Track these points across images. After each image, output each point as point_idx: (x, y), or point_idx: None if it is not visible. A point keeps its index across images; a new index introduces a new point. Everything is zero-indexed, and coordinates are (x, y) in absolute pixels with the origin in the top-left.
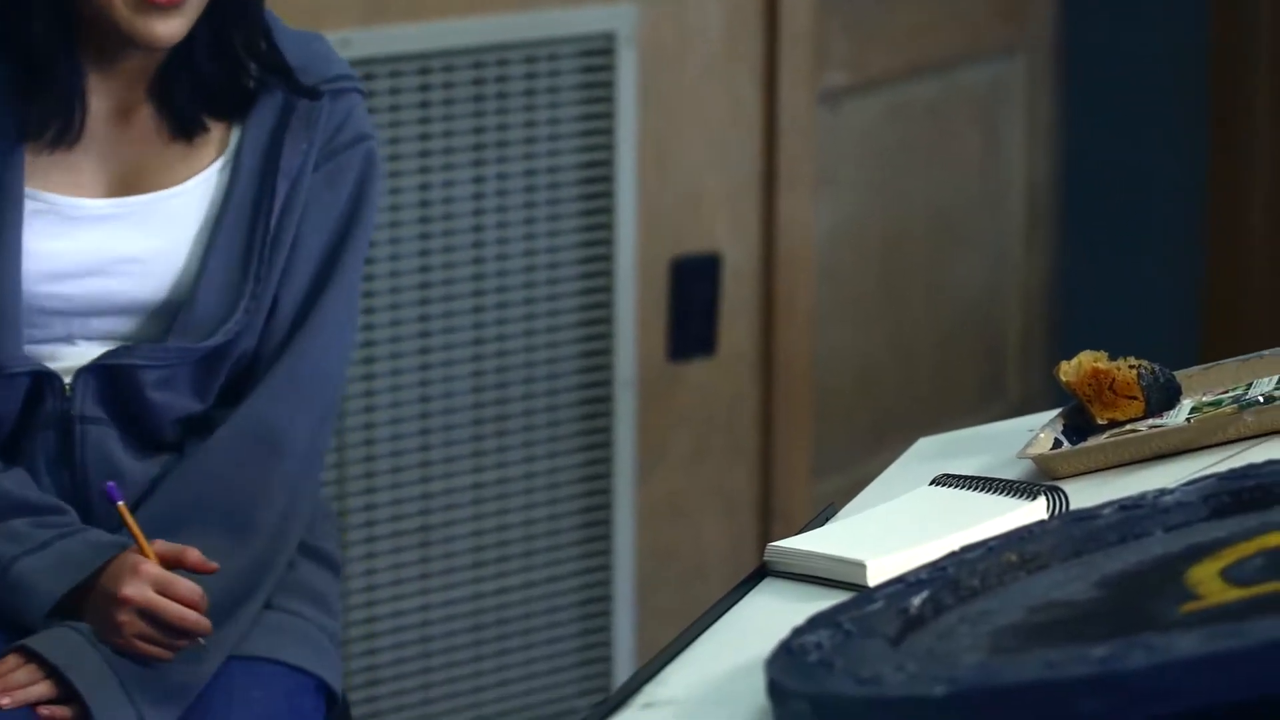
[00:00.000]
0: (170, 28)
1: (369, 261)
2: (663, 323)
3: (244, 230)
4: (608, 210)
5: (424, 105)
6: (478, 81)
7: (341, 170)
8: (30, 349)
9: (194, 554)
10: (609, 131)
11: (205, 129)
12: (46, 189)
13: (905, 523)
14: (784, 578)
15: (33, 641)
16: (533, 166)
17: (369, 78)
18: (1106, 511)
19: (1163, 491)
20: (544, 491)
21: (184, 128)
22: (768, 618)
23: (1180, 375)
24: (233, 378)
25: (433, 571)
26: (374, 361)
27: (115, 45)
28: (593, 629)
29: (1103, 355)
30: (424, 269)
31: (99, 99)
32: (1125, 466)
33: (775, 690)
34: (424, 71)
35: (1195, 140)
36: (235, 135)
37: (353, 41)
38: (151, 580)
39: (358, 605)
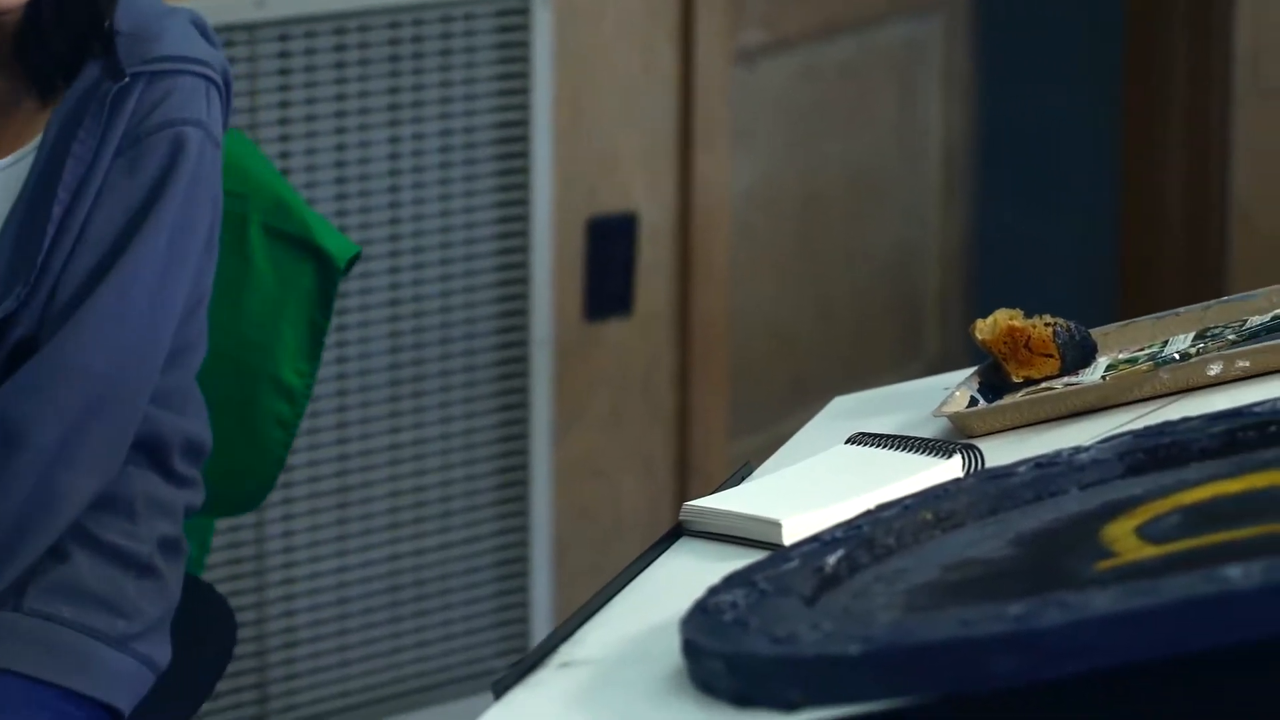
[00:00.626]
0: None
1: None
2: (579, 282)
3: (32, 213)
4: (523, 170)
5: (340, 66)
6: (393, 42)
7: (144, 156)
8: None
9: None
10: (525, 91)
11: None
12: None
13: (821, 481)
14: (700, 537)
15: None
16: (448, 127)
17: (284, 38)
18: (1022, 469)
19: (1078, 449)
20: (461, 452)
21: (41, 97)
22: (684, 577)
23: (1096, 333)
24: (16, 364)
25: (350, 533)
26: None
27: None
28: (510, 589)
29: (1018, 313)
30: (340, 229)
31: None
32: (1041, 424)
33: (690, 649)
34: (340, 32)
35: (1110, 98)
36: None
37: (268, 2)
38: None
39: (275, 568)
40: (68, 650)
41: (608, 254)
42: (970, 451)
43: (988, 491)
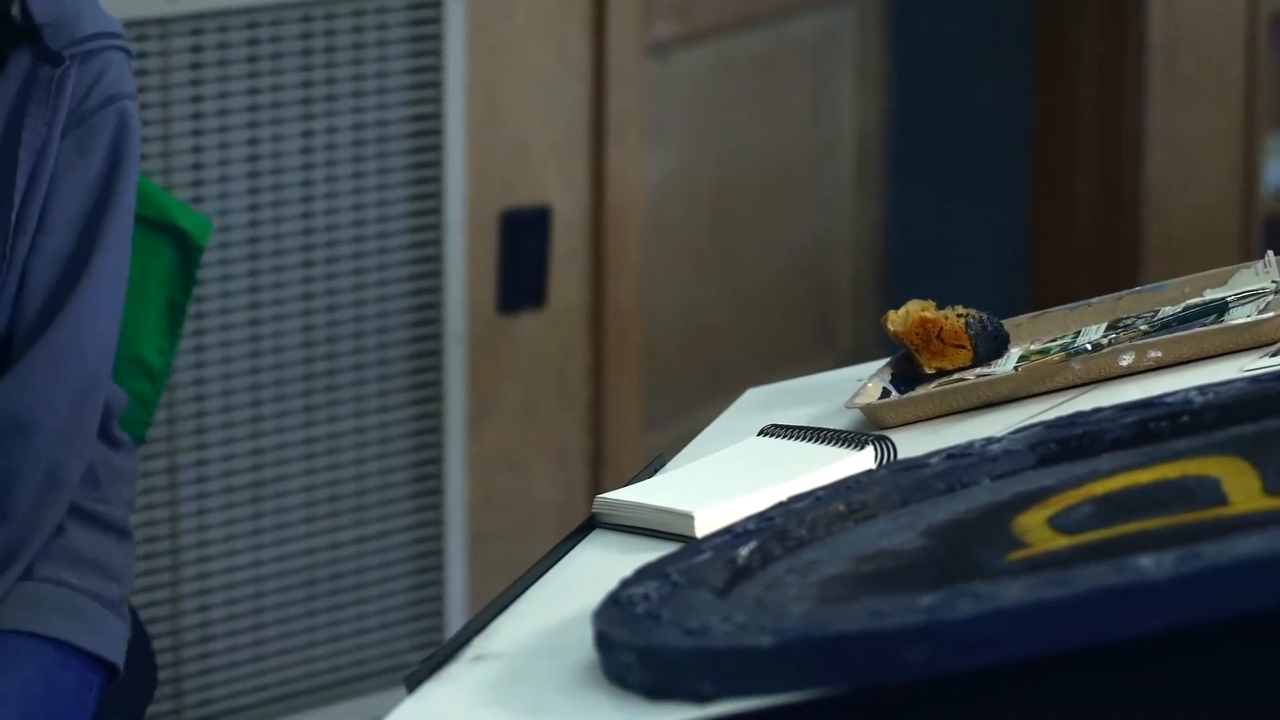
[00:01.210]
0: None
1: None
2: (492, 275)
3: None
4: (437, 163)
5: (252, 60)
6: (306, 35)
7: (93, 134)
8: None
9: None
10: (437, 85)
11: None
12: None
13: (733, 473)
14: (613, 529)
15: None
16: (361, 120)
17: (197, 33)
18: (934, 460)
19: (990, 440)
20: (375, 445)
21: None
22: (596, 570)
23: (1008, 324)
24: None
25: (265, 527)
26: (204, 317)
27: None
28: (425, 583)
29: (930, 304)
30: (253, 224)
31: None
32: (953, 415)
33: (603, 642)
34: (252, 26)
35: (1023, 89)
36: None
37: None
38: None
39: (190, 562)
40: (79, 613)
41: (521, 247)
42: (883, 443)
43: (900, 483)
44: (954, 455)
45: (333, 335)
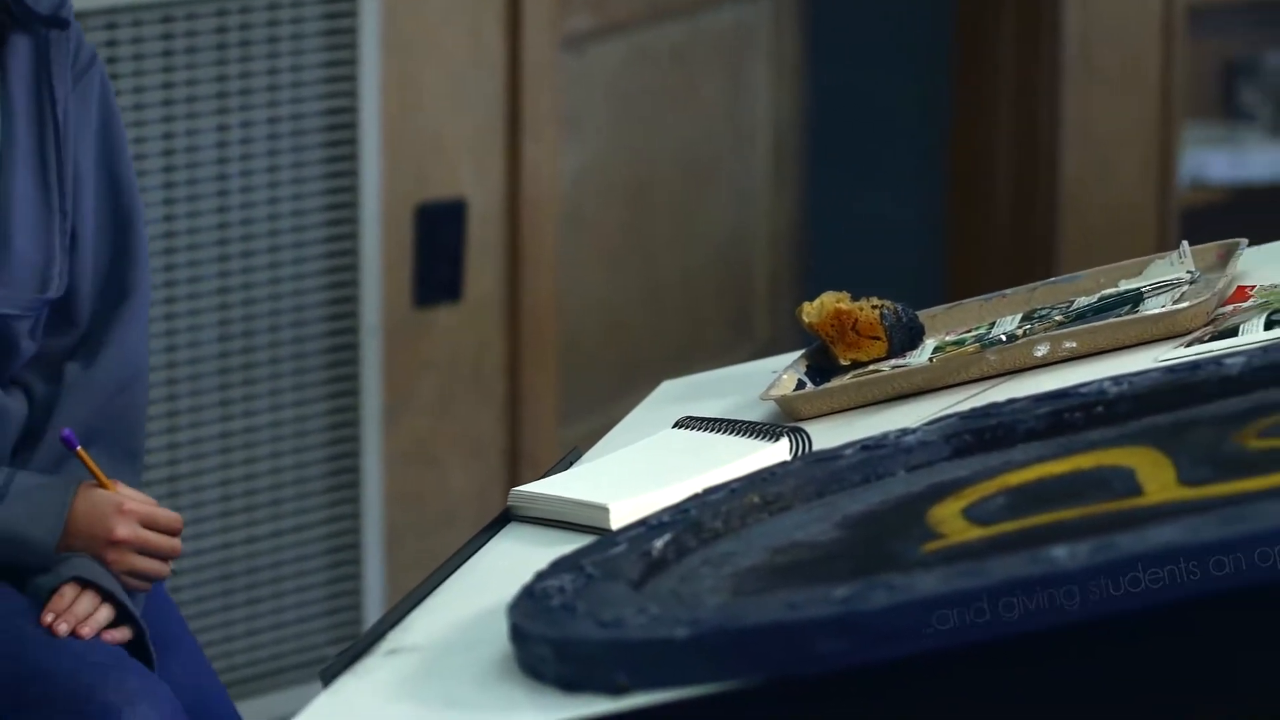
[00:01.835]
0: None
1: None
2: (408, 269)
3: (36, 169)
4: (352, 157)
5: (167, 54)
6: (221, 30)
7: (90, 87)
8: None
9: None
10: (352, 79)
11: None
12: None
13: (648, 465)
14: (528, 522)
15: (85, 572)
16: (276, 114)
17: (112, 27)
18: (849, 452)
19: (905, 431)
20: (291, 440)
21: None
22: (512, 562)
23: (923, 315)
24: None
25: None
26: None
27: None
28: (342, 576)
29: (845, 296)
30: (169, 218)
31: None
32: (868, 407)
33: (518, 634)
34: (167, 20)
35: (940, 81)
36: None
37: None
38: (139, 518)
39: None
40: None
41: (436, 240)
42: (798, 435)
43: (815, 474)
44: (869, 447)
45: (248, 329)
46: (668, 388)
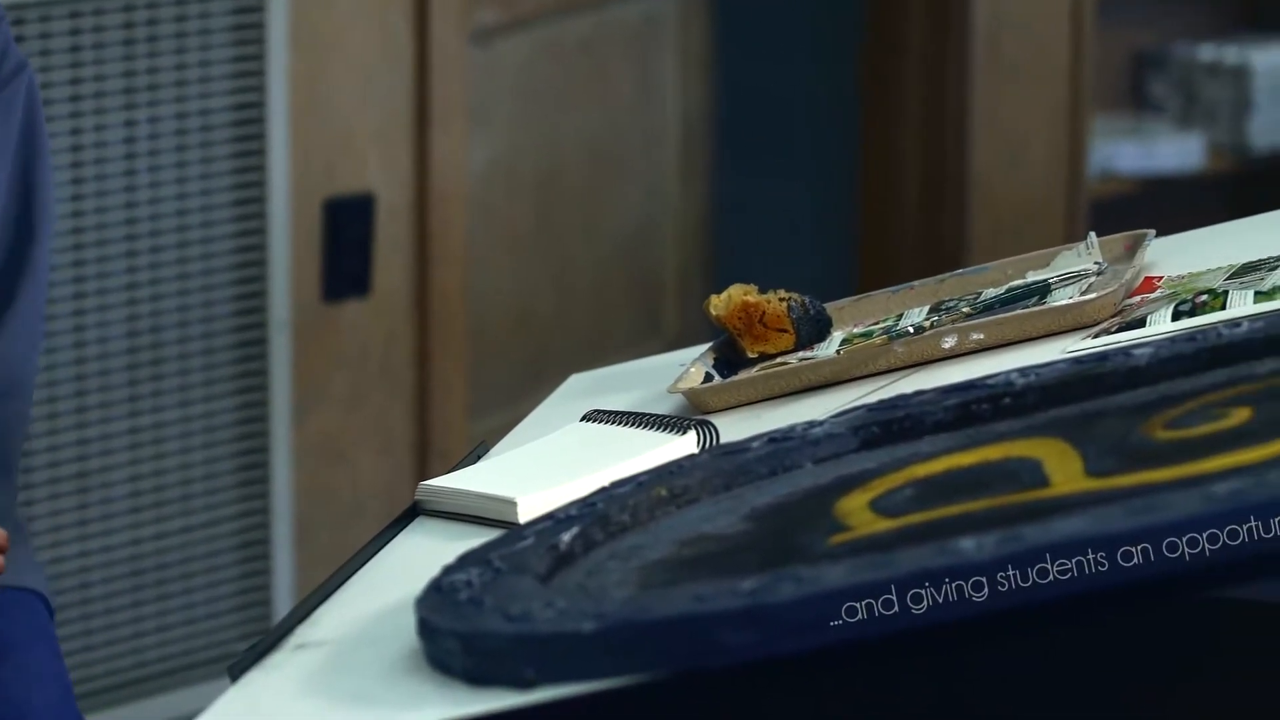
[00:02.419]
0: None
1: None
2: (317, 263)
3: None
4: (260, 152)
5: (74, 50)
6: (128, 25)
7: (14, 100)
8: None
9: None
10: (260, 73)
11: None
12: None
13: (556, 459)
14: (436, 516)
15: None
16: (184, 109)
17: (19, 22)
18: (756, 444)
19: (812, 424)
20: (200, 435)
21: None
22: (419, 557)
23: (831, 307)
24: None
25: (90, 518)
26: None
27: None
28: (252, 572)
29: (753, 288)
30: (76, 214)
31: None
32: (776, 399)
33: (425, 629)
34: (74, 15)
35: (849, 74)
36: None
37: None
38: None
39: None
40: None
41: (345, 234)
42: (705, 427)
43: (722, 467)
44: (776, 439)
45: (157, 325)
46: (576, 381)
